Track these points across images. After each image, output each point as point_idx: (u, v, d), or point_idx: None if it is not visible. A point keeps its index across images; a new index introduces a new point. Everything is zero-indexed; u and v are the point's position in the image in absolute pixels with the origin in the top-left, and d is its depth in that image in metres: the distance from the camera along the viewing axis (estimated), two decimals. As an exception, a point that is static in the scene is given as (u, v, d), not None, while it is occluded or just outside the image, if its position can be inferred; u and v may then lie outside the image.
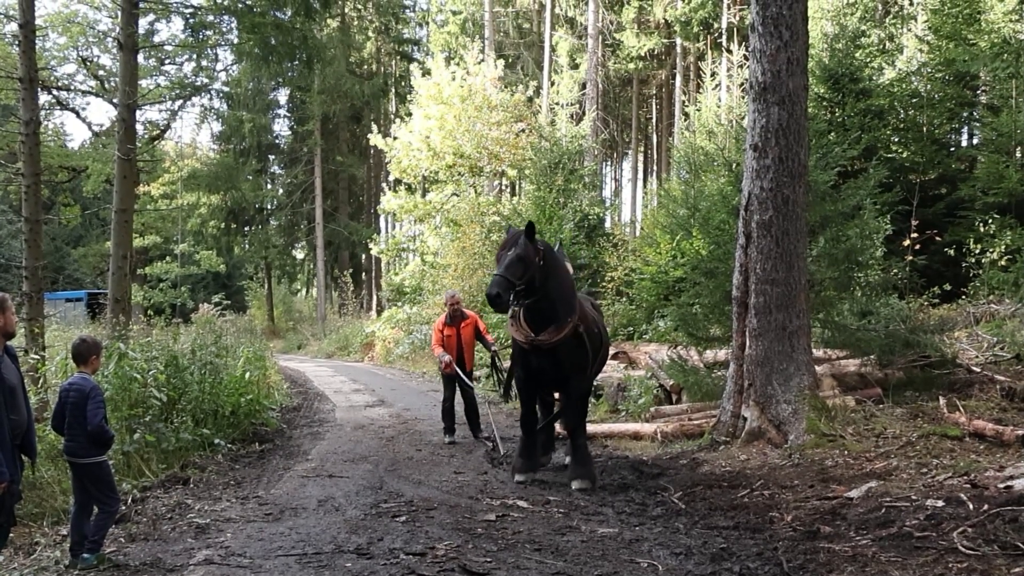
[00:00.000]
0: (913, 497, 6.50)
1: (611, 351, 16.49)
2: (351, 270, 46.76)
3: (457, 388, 11.33)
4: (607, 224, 28.80)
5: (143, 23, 22.73)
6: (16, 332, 5.23)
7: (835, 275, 11.45)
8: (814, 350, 10.33)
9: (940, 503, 6.21)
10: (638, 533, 6.49)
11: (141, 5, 15.04)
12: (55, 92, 25.68)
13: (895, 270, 14.27)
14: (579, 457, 8.40)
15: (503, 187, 34.11)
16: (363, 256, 51.71)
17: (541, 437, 9.12)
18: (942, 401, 9.45)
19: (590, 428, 11.42)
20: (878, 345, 10.99)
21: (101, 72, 29.68)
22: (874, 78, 19.50)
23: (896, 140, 19.60)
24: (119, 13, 15.21)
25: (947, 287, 15.73)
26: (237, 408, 11.78)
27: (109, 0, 24.81)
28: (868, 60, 19.99)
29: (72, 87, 29.33)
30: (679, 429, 10.55)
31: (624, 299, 19.49)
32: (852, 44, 19.05)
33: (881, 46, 24.02)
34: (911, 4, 27.21)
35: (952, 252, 16.41)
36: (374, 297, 47.15)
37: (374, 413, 14.48)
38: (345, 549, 5.84)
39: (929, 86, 19.76)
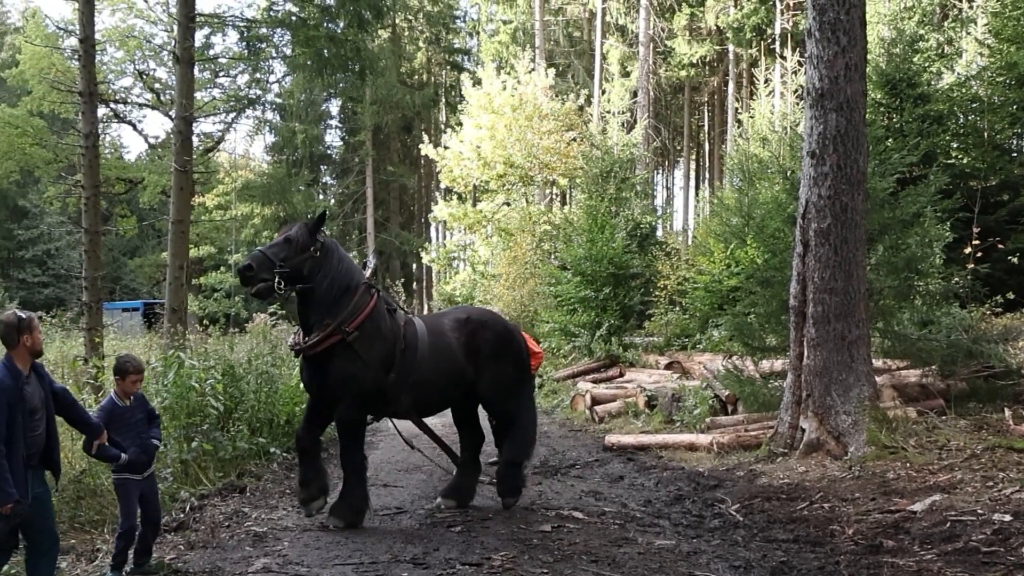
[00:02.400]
0: (979, 511, 6.34)
1: (664, 360, 16.48)
2: (403, 279, 47.06)
3: None
4: (659, 233, 28.64)
5: (199, 36, 23.13)
6: (44, 351, 5.25)
7: (895, 284, 11.24)
8: (874, 360, 10.14)
9: (1008, 517, 6.05)
10: (695, 545, 6.40)
11: (197, 19, 15.27)
12: (112, 105, 26.24)
13: (956, 278, 13.93)
14: (342, 490, 7.23)
15: (554, 196, 34.09)
16: (414, 265, 52.05)
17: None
18: (1007, 412, 9.21)
19: (645, 439, 11.36)
20: (940, 355, 10.74)
21: (157, 85, 30.29)
22: (933, 83, 19.15)
23: (956, 146, 19.23)
24: (175, 27, 15.51)
25: (1010, 295, 15.32)
26: (292, 417, 11.84)
27: (165, 14, 25.28)
28: (926, 65, 19.65)
29: (129, 100, 29.98)
30: (735, 440, 10.40)
31: (677, 308, 19.33)
32: (910, 48, 18.72)
33: (940, 50, 23.61)
34: (971, 7, 26.74)
35: (1015, 260, 16.03)
36: (426, 307, 47.37)
37: (427, 422, 14.45)
38: (401, 559, 5.84)
39: (990, 90, 19.35)
